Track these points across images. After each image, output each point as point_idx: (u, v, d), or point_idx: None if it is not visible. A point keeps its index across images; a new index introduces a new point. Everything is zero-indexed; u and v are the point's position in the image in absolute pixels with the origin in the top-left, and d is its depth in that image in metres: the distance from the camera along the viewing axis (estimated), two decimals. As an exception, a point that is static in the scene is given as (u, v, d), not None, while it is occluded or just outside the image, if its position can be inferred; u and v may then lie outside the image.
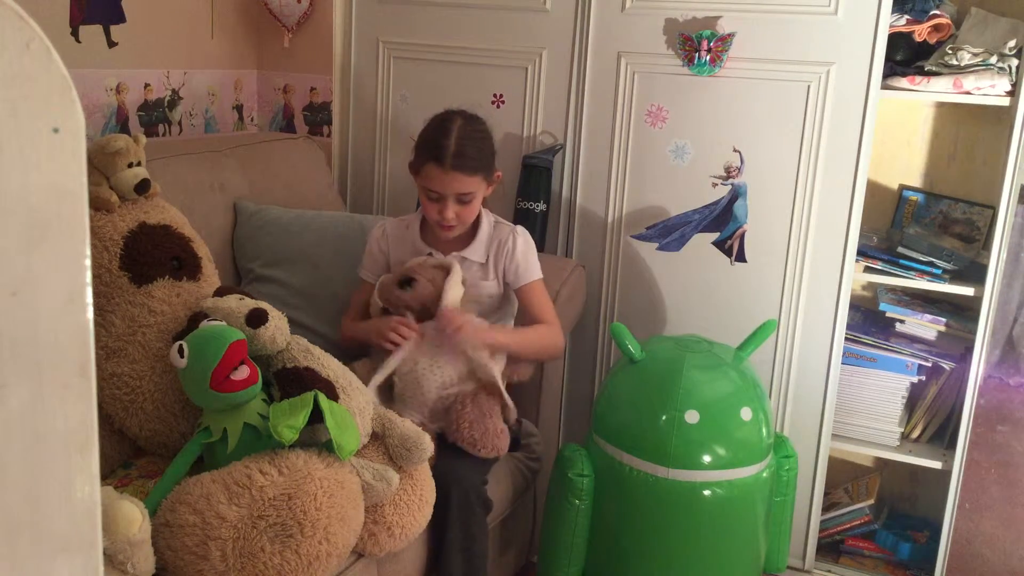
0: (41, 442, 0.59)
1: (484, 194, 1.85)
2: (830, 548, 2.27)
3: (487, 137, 1.84)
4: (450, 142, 1.76)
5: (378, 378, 1.68)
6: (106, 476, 1.46)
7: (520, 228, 1.91)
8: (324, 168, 2.43)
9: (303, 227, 2.11)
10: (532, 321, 1.87)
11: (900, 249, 2.08)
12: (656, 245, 2.19)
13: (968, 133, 2.21)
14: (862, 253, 2.07)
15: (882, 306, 2.17)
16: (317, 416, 1.34)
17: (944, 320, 2.12)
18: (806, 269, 2.06)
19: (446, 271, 1.78)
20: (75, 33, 2.07)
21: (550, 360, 2.01)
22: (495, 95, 2.28)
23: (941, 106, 2.20)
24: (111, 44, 2.16)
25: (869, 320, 2.23)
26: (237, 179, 2.14)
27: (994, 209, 2.03)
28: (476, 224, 1.88)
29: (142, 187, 1.54)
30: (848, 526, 2.26)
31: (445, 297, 1.73)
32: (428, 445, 1.51)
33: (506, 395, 1.77)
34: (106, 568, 1.12)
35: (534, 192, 2.21)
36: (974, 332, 1.99)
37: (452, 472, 1.63)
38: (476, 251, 1.87)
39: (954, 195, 2.23)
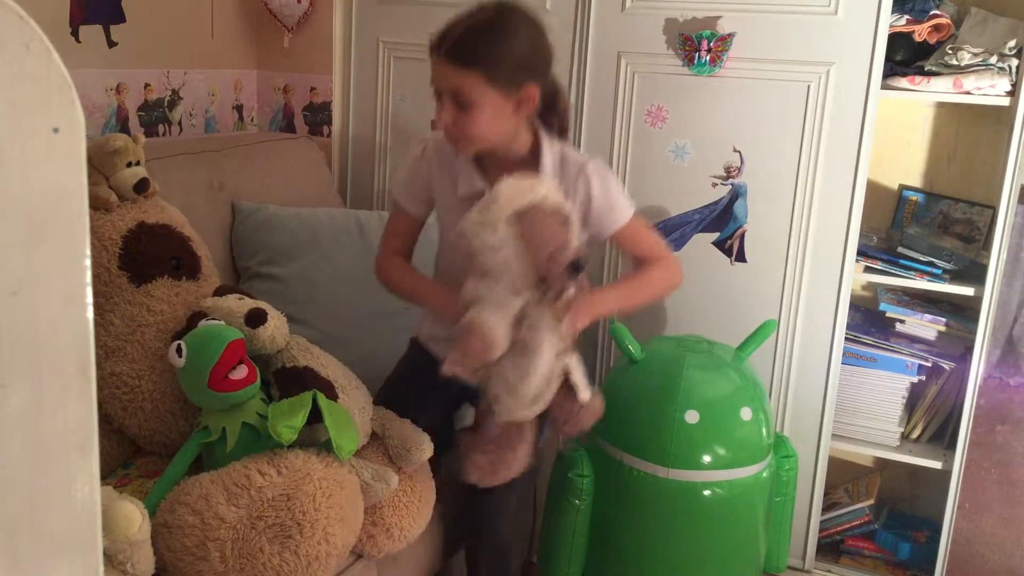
0: (41, 442, 0.59)
1: (501, 108, 1.46)
2: (830, 548, 2.27)
3: (515, 37, 1.44)
4: (458, 28, 1.45)
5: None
6: (106, 476, 1.46)
7: (592, 165, 1.58)
8: (324, 168, 2.43)
9: (301, 224, 2.11)
10: (638, 263, 1.63)
11: (900, 249, 2.08)
12: (656, 245, 2.18)
13: (968, 133, 2.20)
14: (862, 253, 2.07)
15: (882, 306, 2.17)
16: (316, 416, 1.35)
17: (944, 320, 2.12)
18: (806, 269, 2.06)
19: (562, 217, 1.38)
20: (75, 33, 2.07)
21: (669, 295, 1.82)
22: (495, 95, 2.28)
23: (941, 106, 2.20)
24: (111, 44, 2.16)
25: (869, 320, 2.23)
26: (237, 179, 2.14)
27: (994, 209, 2.02)
28: (536, 155, 1.56)
29: (141, 186, 1.54)
30: (848, 526, 2.26)
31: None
32: (428, 446, 1.51)
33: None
34: (106, 568, 1.12)
35: (534, 192, 2.20)
36: (974, 332, 1.99)
37: (493, 522, 1.66)
38: None
39: (954, 195, 2.22)
